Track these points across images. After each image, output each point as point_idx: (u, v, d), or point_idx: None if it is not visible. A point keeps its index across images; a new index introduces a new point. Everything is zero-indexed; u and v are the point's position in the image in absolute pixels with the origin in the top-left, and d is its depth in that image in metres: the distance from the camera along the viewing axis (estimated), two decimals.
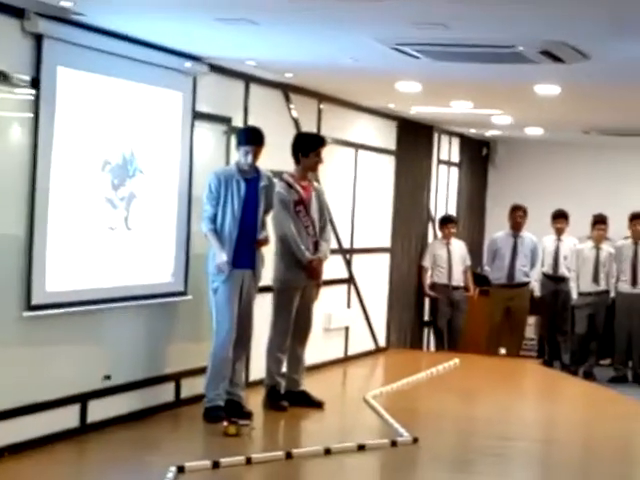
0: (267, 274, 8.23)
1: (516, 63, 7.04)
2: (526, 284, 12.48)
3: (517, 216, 12.59)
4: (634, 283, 12.28)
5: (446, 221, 12.81)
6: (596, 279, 12.43)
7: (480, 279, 12.93)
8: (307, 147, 8.41)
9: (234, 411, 7.71)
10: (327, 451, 6.99)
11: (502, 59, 6.93)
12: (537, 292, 12.58)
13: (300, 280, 8.37)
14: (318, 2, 5.66)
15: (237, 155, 7.88)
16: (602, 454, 7.79)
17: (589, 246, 12.56)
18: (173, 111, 7.93)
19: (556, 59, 6.79)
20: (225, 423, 7.37)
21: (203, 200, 7.78)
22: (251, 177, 7.78)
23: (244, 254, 7.75)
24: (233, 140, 8.43)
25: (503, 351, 12.48)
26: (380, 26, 6.21)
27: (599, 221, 12.61)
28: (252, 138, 7.78)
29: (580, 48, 6.47)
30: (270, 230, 8.16)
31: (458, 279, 12.56)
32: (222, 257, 7.64)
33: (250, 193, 7.75)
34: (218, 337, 7.74)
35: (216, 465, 6.50)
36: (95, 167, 7.14)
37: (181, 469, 6.30)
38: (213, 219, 7.70)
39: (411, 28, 6.05)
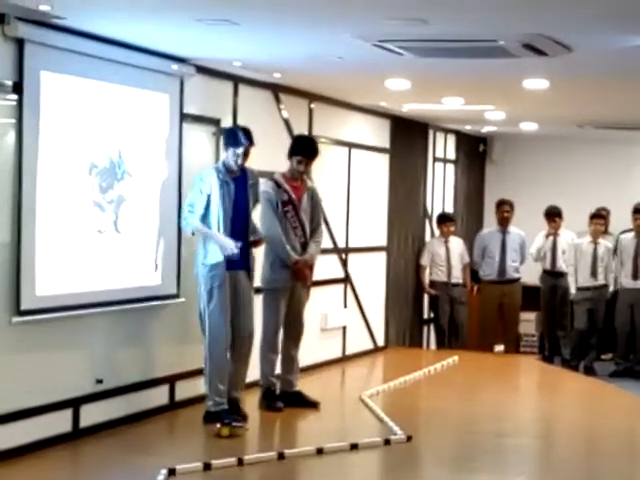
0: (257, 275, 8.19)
1: (500, 57, 7.00)
2: (517, 280, 12.49)
3: (504, 211, 12.62)
4: (635, 277, 12.23)
5: (444, 219, 12.79)
6: (594, 274, 12.39)
7: (477, 276, 12.92)
8: (291, 150, 8.38)
9: (231, 412, 7.65)
10: (319, 451, 6.97)
11: (485, 54, 6.90)
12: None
13: (286, 281, 8.32)
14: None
15: (226, 155, 7.71)
16: (604, 449, 7.78)
17: (587, 241, 12.51)
18: (161, 113, 7.91)
19: (539, 52, 6.76)
20: (218, 425, 7.35)
21: (189, 200, 7.58)
22: (238, 176, 7.69)
23: (236, 254, 7.66)
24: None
25: (501, 348, 12.45)
26: (359, 23, 6.18)
27: (596, 216, 12.60)
28: (245, 138, 7.60)
29: (561, 40, 6.43)
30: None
31: (457, 276, 12.56)
32: (226, 241, 7.46)
33: (239, 192, 7.67)
34: (216, 343, 7.61)
35: (207, 467, 6.49)
36: (82, 171, 7.13)
37: (172, 472, 6.30)
38: (200, 219, 7.51)
39: (390, 24, 6.02)
